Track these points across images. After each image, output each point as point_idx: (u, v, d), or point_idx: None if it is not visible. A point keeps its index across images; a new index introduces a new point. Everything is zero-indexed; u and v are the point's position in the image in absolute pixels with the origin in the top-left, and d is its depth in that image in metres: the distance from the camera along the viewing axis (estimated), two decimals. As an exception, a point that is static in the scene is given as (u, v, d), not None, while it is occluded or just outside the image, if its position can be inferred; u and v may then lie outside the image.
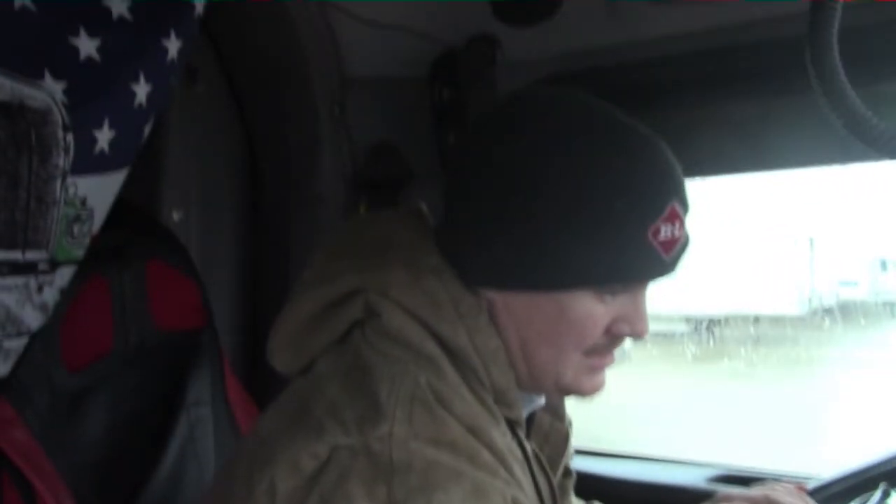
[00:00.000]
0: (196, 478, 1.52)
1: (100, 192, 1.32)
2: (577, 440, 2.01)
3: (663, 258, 0.99)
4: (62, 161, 1.23)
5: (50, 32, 1.19)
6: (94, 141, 1.27)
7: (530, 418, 1.17)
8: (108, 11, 1.26)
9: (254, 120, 1.97)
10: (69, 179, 1.25)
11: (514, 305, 1.03)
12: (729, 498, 1.19)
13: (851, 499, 1.22)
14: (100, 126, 1.27)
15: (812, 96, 1.53)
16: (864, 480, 1.24)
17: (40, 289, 1.27)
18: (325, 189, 1.92)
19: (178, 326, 1.58)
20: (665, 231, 0.98)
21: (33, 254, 1.24)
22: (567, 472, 1.29)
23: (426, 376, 0.97)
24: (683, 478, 1.83)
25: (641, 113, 1.59)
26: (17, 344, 1.27)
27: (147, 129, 1.37)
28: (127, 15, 1.28)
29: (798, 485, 1.23)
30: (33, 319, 1.27)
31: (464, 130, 1.76)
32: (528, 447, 1.07)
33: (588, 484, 1.70)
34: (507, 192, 0.99)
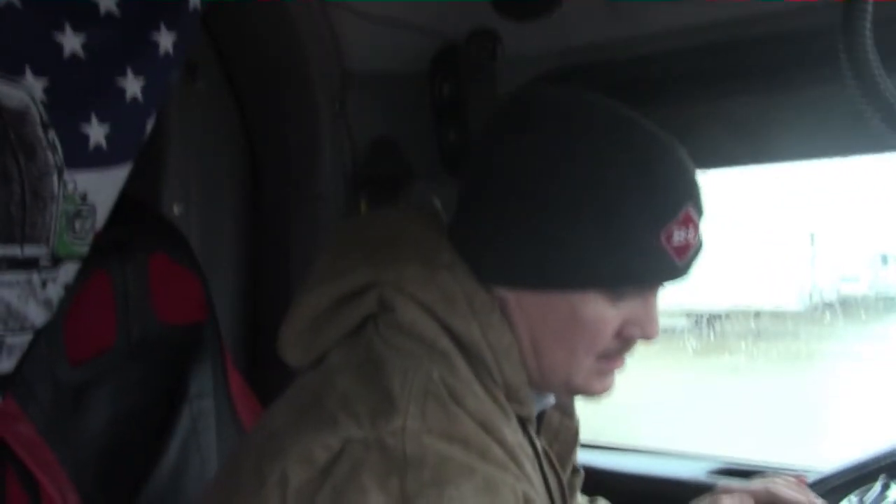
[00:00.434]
0: (198, 471, 1.52)
1: (101, 187, 1.32)
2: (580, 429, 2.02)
3: (676, 262, 0.99)
4: (52, 158, 1.23)
5: (34, 29, 1.19)
6: (85, 136, 1.26)
7: (540, 416, 1.17)
8: (95, 7, 1.26)
9: (254, 116, 1.97)
10: (66, 175, 1.25)
11: (527, 304, 1.03)
12: (729, 490, 1.19)
13: (851, 491, 1.23)
14: (87, 121, 1.26)
15: (811, 90, 1.54)
16: (864, 473, 1.24)
17: (44, 284, 1.27)
18: (326, 185, 1.92)
19: (180, 320, 1.58)
20: (678, 235, 0.98)
21: (32, 249, 1.24)
22: (575, 469, 1.29)
23: (439, 371, 0.97)
24: (684, 471, 1.83)
25: (641, 108, 1.59)
26: (20, 340, 1.27)
27: (149, 124, 1.36)
28: (114, 10, 1.27)
29: (798, 477, 1.23)
30: (37, 315, 1.27)
31: (464, 126, 1.77)
32: (539, 444, 1.08)
33: (589, 477, 1.71)
34: (523, 190, 1.00)
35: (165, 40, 1.34)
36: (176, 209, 1.87)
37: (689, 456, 1.95)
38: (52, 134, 1.22)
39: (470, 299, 1.01)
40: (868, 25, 0.87)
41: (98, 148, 1.28)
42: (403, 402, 0.93)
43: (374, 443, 0.91)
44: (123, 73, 1.30)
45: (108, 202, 1.34)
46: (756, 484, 1.20)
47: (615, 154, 0.98)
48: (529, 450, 1.04)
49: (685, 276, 1.03)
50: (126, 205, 1.34)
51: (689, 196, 0.99)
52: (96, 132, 1.28)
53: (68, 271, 1.31)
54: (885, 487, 1.20)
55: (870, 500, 1.19)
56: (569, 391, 1.08)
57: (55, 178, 1.24)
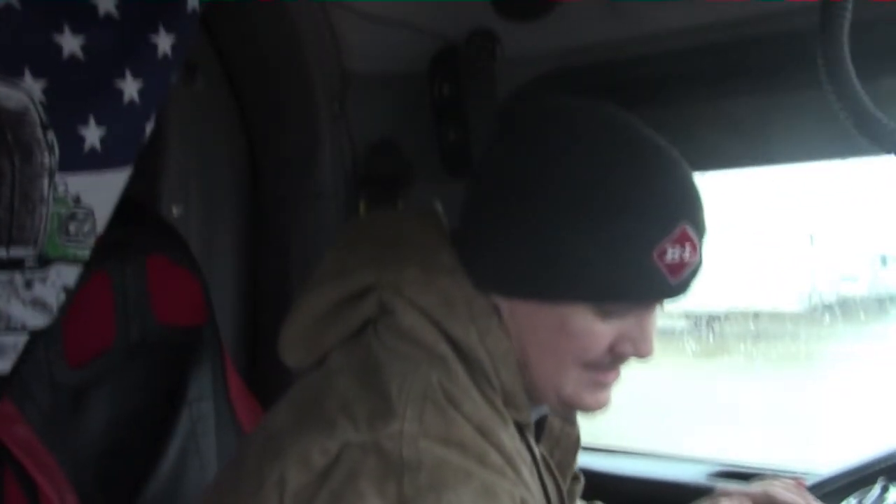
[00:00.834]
0: (198, 473, 1.52)
1: (97, 190, 1.31)
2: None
3: (669, 281, 0.97)
4: (47, 159, 1.23)
5: (33, 31, 1.19)
6: (81, 139, 1.26)
7: (541, 423, 1.17)
8: (94, 8, 1.26)
9: (254, 116, 1.97)
10: (57, 177, 1.25)
11: (518, 313, 1.02)
12: (728, 493, 1.19)
13: (850, 494, 1.22)
14: (85, 123, 1.26)
15: (810, 92, 1.54)
16: (863, 476, 1.24)
17: (28, 284, 1.26)
18: (325, 185, 1.92)
19: (179, 321, 1.58)
20: (672, 253, 0.96)
21: (19, 251, 1.23)
22: (575, 477, 1.29)
23: (437, 376, 0.97)
24: (683, 473, 1.83)
25: (640, 109, 1.59)
26: (11, 340, 1.26)
27: (148, 127, 1.36)
28: (113, 12, 1.27)
29: (797, 480, 1.23)
30: (28, 316, 1.27)
31: (464, 126, 1.77)
32: (537, 450, 1.08)
33: (588, 480, 1.71)
34: (518, 200, 0.99)
35: (164, 42, 1.34)
36: (175, 210, 1.87)
37: (687, 459, 1.95)
38: (50, 135, 1.22)
39: (469, 304, 1.01)
40: (845, 30, 0.88)
41: (93, 150, 1.28)
42: (401, 407, 0.93)
43: (372, 447, 0.91)
44: (122, 75, 1.30)
45: (108, 205, 1.34)
46: (755, 487, 1.20)
47: (611, 168, 0.97)
48: (527, 456, 1.03)
49: (681, 295, 1.01)
50: (125, 206, 1.34)
51: (687, 213, 0.97)
52: (92, 134, 1.27)
53: (61, 273, 1.31)
54: (884, 490, 1.20)
55: (868, 503, 1.19)
56: (560, 403, 1.06)
57: (46, 180, 1.24)
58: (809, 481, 1.25)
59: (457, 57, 1.77)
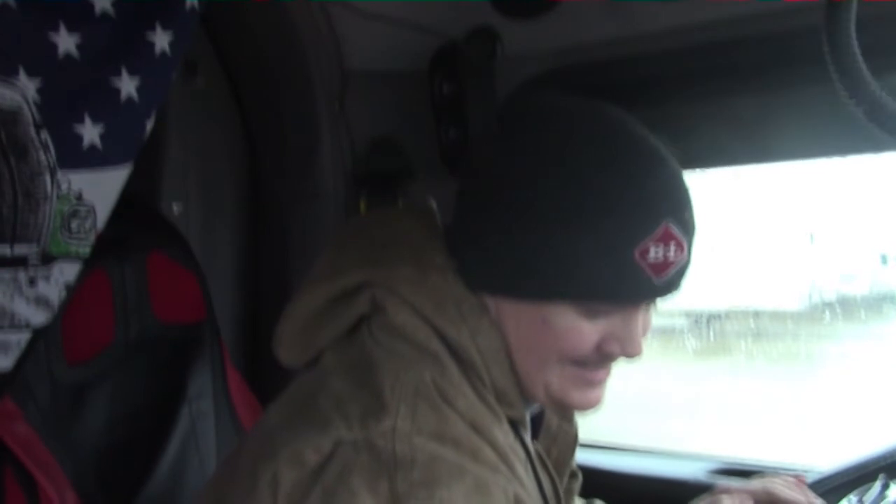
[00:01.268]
0: (198, 470, 1.52)
1: (98, 187, 1.32)
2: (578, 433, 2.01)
3: (653, 281, 0.96)
4: (45, 158, 1.23)
5: (29, 29, 1.20)
6: (78, 137, 1.26)
7: (539, 420, 1.17)
8: (90, 7, 1.26)
9: (253, 114, 1.97)
10: (60, 175, 1.25)
11: (504, 311, 1.02)
12: (728, 490, 1.19)
13: (850, 491, 1.22)
14: (80, 121, 1.26)
15: (811, 89, 1.54)
16: (863, 473, 1.24)
17: (32, 281, 1.27)
18: (325, 183, 1.92)
19: (178, 319, 1.58)
20: (655, 252, 0.94)
21: (22, 248, 1.24)
22: (573, 473, 1.29)
23: (430, 373, 0.97)
24: (683, 470, 1.83)
25: (640, 107, 1.59)
26: (14, 338, 1.26)
27: (148, 124, 1.36)
28: (109, 9, 1.28)
29: (798, 477, 1.23)
30: (32, 313, 1.27)
31: (463, 125, 1.77)
32: (531, 447, 1.08)
33: (588, 477, 1.71)
34: (501, 200, 0.99)
35: (161, 40, 1.34)
36: (175, 208, 1.87)
37: (688, 456, 1.95)
38: (44, 134, 1.22)
39: (459, 303, 1.01)
40: (852, 20, 0.87)
41: (93, 148, 1.28)
42: (394, 404, 0.93)
43: (364, 444, 0.91)
44: (118, 73, 1.30)
45: (108, 202, 1.34)
46: (755, 484, 1.20)
47: (593, 166, 0.96)
48: (522, 452, 1.03)
49: (669, 294, 1.00)
50: (125, 203, 1.34)
51: (671, 211, 0.95)
52: (90, 132, 1.28)
53: (64, 270, 1.31)
54: (885, 487, 1.20)
55: (869, 500, 1.19)
56: (550, 401, 1.05)
57: (48, 177, 1.24)
58: (810, 478, 1.25)
59: (457, 55, 1.77)
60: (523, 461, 1.03)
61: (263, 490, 0.93)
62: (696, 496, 1.20)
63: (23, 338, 1.27)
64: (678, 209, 0.96)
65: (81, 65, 1.25)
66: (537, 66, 1.75)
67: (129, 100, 1.31)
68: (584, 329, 0.99)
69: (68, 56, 1.23)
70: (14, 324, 1.25)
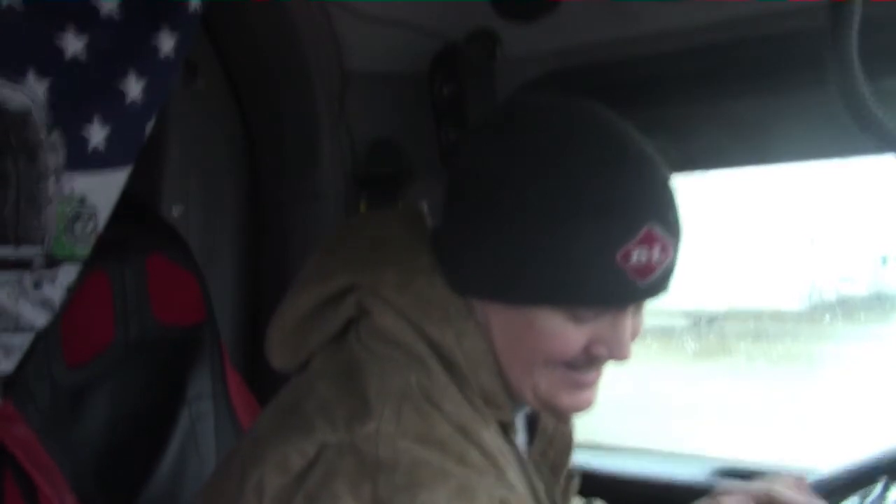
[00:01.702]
0: (197, 472, 1.52)
1: (101, 189, 1.32)
2: (577, 434, 2.02)
3: (636, 284, 0.95)
4: (52, 160, 1.23)
5: (36, 32, 1.20)
6: (85, 139, 1.27)
7: (534, 423, 1.17)
8: (95, 10, 1.26)
9: (253, 116, 1.97)
10: (65, 178, 1.25)
11: (491, 314, 1.01)
12: (730, 492, 1.19)
13: (852, 493, 1.22)
14: (89, 123, 1.27)
15: (811, 91, 1.54)
16: (865, 474, 1.23)
17: (37, 284, 1.27)
18: (325, 185, 1.92)
19: (178, 321, 1.58)
20: (638, 255, 0.93)
21: (27, 250, 1.24)
22: (570, 475, 1.28)
23: (416, 376, 0.96)
24: (684, 472, 1.83)
25: (640, 108, 1.59)
26: (18, 340, 1.27)
27: (149, 127, 1.37)
28: (115, 13, 1.28)
29: (799, 479, 1.23)
30: (35, 316, 1.27)
31: (463, 126, 1.77)
32: (521, 450, 1.07)
33: (589, 478, 1.70)
34: (489, 203, 0.98)
35: (166, 43, 1.34)
36: (175, 210, 1.87)
37: (689, 457, 1.95)
38: (54, 136, 1.23)
39: (445, 306, 1.01)
40: (854, 29, 0.87)
41: (97, 150, 1.29)
42: (379, 407, 0.93)
43: (348, 448, 0.91)
44: (125, 76, 1.30)
45: (109, 204, 1.34)
46: (756, 485, 1.20)
47: (574, 169, 0.95)
48: (512, 455, 1.02)
49: (655, 296, 0.99)
50: (125, 206, 1.34)
51: (653, 214, 0.94)
52: (97, 134, 1.28)
53: (68, 273, 1.31)
54: (886, 489, 1.20)
55: (870, 502, 1.19)
56: (539, 404, 1.04)
57: (52, 180, 1.24)
58: (811, 480, 1.24)
59: (457, 57, 1.77)
60: (514, 464, 1.02)
61: (249, 495, 0.93)
62: (697, 498, 1.20)
63: (26, 340, 1.27)
64: (662, 211, 0.95)
65: (89, 67, 1.25)
66: (537, 68, 1.75)
67: (134, 102, 1.32)
68: (571, 333, 0.98)
69: (76, 58, 1.24)
70: (19, 326, 1.25)
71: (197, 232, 1.89)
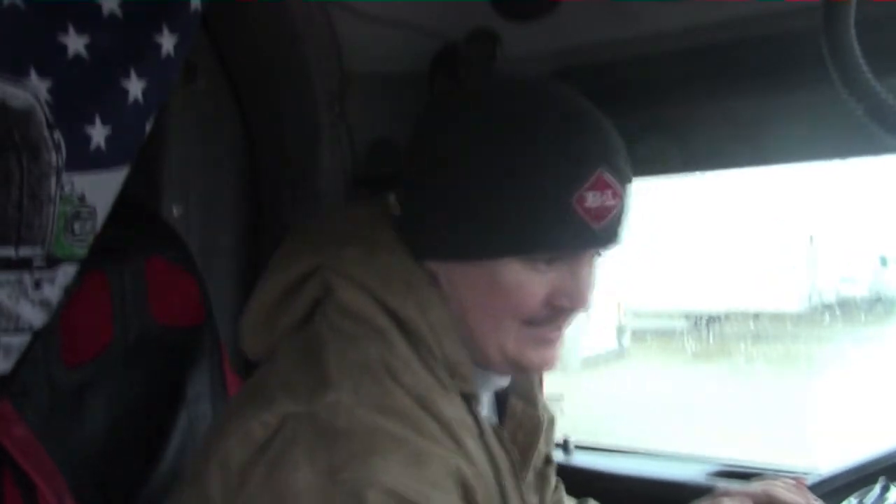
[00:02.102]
0: (196, 473, 1.52)
1: (100, 189, 1.32)
2: (576, 435, 2.02)
3: (592, 228, 0.99)
4: (54, 158, 1.23)
5: (37, 30, 1.20)
6: (87, 138, 1.27)
7: (503, 404, 1.18)
8: (98, 8, 1.26)
9: (253, 116, 1.97)
10: (65, 177, 1.25)
11: (453, 276, 1.05)
12: (729, 493, 1.19)
13: (851, 493, 1.22)
14: (91, 123, 1.27)
15: (812, 91, 1.54)
16: (864, 475, 1.24)
17: (37, 284, 1.27)
18: (325, 185, 1.92)
19: (177, 322, 1.58)
20: (592, 199, 0.97)
21: (27, 250, 1.24)
22: (548, 460, 1.30)
23: (377, 349, 0.99)
24: (683, 473, 1.83)
25: (640, 108, 1.59)
26: (17, 340, 1.27)
27: (148, 126, 1.37)
28: (117, 11, 1.28)
29: (798, 479, 1.23)
30: (34, 316, 1.27)
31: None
32: (485, 421, 1.07)
33: (587, 479, 1.71)
34: (444, 166, 1.02)
35: (167, 42, 1.35)
36: (175, 210, 1.87)
37: (688, 458, 1.95)
38: (57, 134, 1.23)
39: (407, 277, 1.04)
40: (852, 17, 0.87)
41: (98, 149, 1.29)
42: (339, 379, 0.95)
43: (308, 417, 0.93)
44: (127, 75, 1.30)
45: (107, 204, 1.34)
46: (755, 486, 1.20)
47: (524, 123, 0.99)
48: (475, 427, 1.04)
49: (609, 243, 1.03)
50: (124, 207, 1.34)
51: (602, 159, 0.98)
52: (98, 133, 1.28)
53: (67, 273, 1.31)
54: (885, 489, 1.20)
55: (869, 503, 1.19)
56: (507, 363, 1.06)
57: (53, 179, 1.24)
58: (810, 480, 1.24)
59: (457, 57, 1.77)
60: (475, 435, 1.03)
61: (214, 469, 0.95)
62: (696, 498, 1.20)
63: (25, 341, 1.27)
64: (610, 158, 0.99)
65: (91, 66, 1.25)
66: (537, 68, 1.75)
67: (136, 101, 1.32)
68: (532, 283, 1.01)
69: (78, 57, 1.24)
70: (19, 327, 1.25)
71: (197, 232, 1.89)
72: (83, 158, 1.27)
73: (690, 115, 1.69)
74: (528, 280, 1.01)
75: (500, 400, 1.19)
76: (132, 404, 1.50)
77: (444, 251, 1.04)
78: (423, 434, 0.94)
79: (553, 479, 1.31)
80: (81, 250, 1.32)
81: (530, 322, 1.03)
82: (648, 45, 1.64)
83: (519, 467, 1.13)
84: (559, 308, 1.03)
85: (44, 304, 1.29)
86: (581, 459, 1.93)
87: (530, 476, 1.21)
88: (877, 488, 1.20)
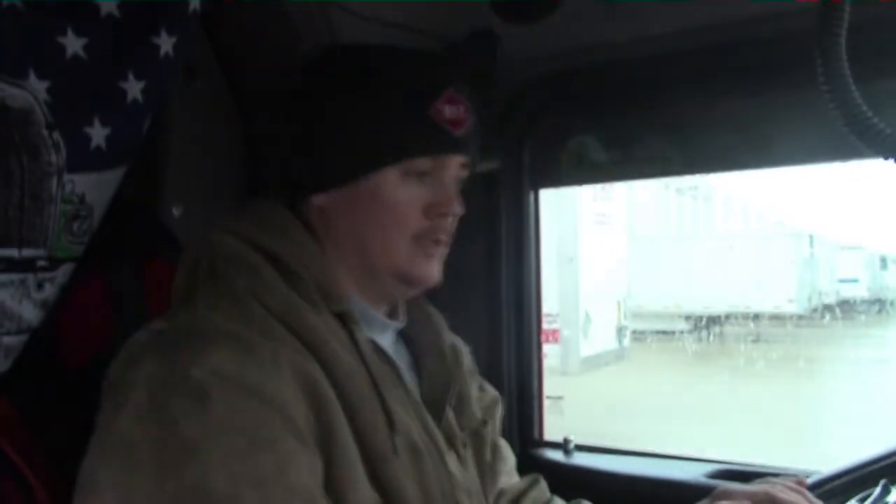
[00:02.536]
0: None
1: (99, 189, 1.32)
2: (577, 436, 2.02)
3: (454, 135, 1.15)
4: (54, 159, 1.23)
5: (36, 32, 1.20)
6: (87, 138, 1.27)
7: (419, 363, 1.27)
8: (96, 9, 1.27)
9: (253, 116, 1.97)
10: (65, 177, 1.26)
11: (342, 206, 1.16)
12: (729, 493, 1.19)
13: (852, 494, 1.22)
14: (90, 123, 1.27)
15: (811, 93, 1.54)
16: (864, 476, 1.23)
17: (40, 285, 1.27)
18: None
19: (177, 323, 1.58)
20: (449, 111, 1.15)
21: (30, 251, 1.24)
22: (498, 454, 1.39)
23: (244, 280, 1.08)
24: (683, 473, 1.83)
25: (641, 109, 1.59)
26: (17, 341, 1.27)
27: (145, 126, 1.37)
28: (115, 13, 1.28)
29: (798, 480, 1.23)
30: (34, 316, 1.27)
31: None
32: (361, 336, 1.14)
33: (588, 479, 1.70)
34: (319, 108, 1.17)
35: (166, 43, 1.35)
36: (175, 211, 1.87)
37: (688, 458, 1.95)
38: (56, 135, 1.23)
39: (282, 222, 1.16)
40: (843, 33, 0.88)
41: (98, 149, 1.29)
42: (201, 300, 1.08)
43: (167, 328, 1.05)
44: (125, 76, 1.30)
45: (104, 203, 1.34)
46: (755, 487, 1.20)
47: (380, 59, 1.18)
48: (348, 341, 1.11)
49: (469, 150, 1.19)
50: (124, 208, 1.34)
51: (450, 82, 1.17)
52: (98, 134, 1.28)
53: (66, 273, 1.32)
54: (886, 491, 1.20)
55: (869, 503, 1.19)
56: (399, 278, 1.18)
57: (54, 179, 1.24)
58: (810, 481, 1.24)
59: (456, 59, 1.77)
60: (350, 349, 1.10)
61: (103, 390, 1.03)
62: (696, 499, 1.20)
63: (22, 340, 1.27)
64: (456, 81, 1.17)
65: (89, 67, 1.26)
66: (537, 69, 1.76)
67: (134, 102, 1.32)
68: (411, 196, 1.15)
69: (76, 58, 1.24)
70: (20, 327, 1.26)
71: (197, 232, 1.89)
72: (83, 159, 1.28)
73: (690, 115, 1.69)
74: (407, 193, 1.15)
75: (416, 357, 1.29)
76: (132, 405, 1.49)
77: (333, 179, 1.16)
78: (266, 335, 1.02)
79: (503, 471, 1.40)
80: (79, 250, 1.32)
81: (416, 238, 1.16)
82: (648, 46, 1.64)
83: (437, 425, 1.21)
84: (435, 216, 1.17)
85: (45, 304, 1.29)
86: (581, 459, 1.93)
87: (460, 435, 1.26)
88: (877, 490, 1.20)
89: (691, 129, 1.68)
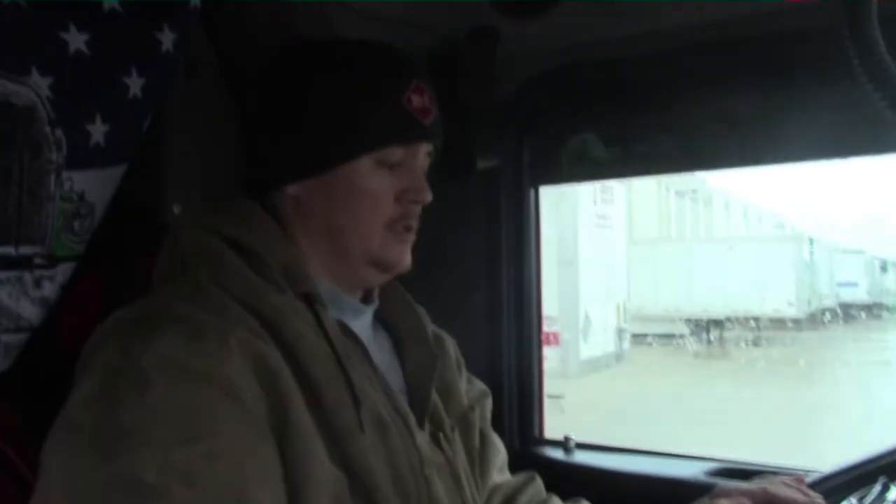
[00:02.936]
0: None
1: (98, 186, 1.32)
2: (578, 436, 2.01)
3: (423, 123, 1.19)
4: (55, 156, 1.24)
5: (39, 28, 1.20)
6: (88, 135, 1.27)
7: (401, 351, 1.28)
8: (98, 5, 1.27)
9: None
10: (64, 174, 1.25)
11: (316, 194, 1.18)
12: (728, 491, 1.19)
13: (851, 492, 1.22)
14: (92, 120, 1.27)
15: (812, 91, 1.54)
16: (864, 474, 1.23)
17: (38, 283, 1.27)
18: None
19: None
20: (417, 100, 1.18)
21: (27, 248, 1.24)
22: (488, 443, 1.38)
23: (208, 269, 1.10)
24: (683, 471, 1.83)
25: (641, 107, 1.58)
26: (16, 339, 1.27)
27: (145, 123, 1.37)
28: (118, 8, 1.28)
29: (797, 478, 1.23)
30: (33, 314, 1.27)
31: (462, 125, 1.77)
32: (327, 316, 1.14)
33: (588, 477, 1.70)
34: (292, 100, 1.18)
35: (167, 39, 1.35)
36: (176, 209, 1.87)
37: (687, 456, 1.94)
38: (58, 132, 1.23)
39: (250, 214, 1.18)
40: (874, 17, 0.87)
41: (97, 146, 1.29)
42: (167, 288, 1.10)
43: (128, 314, 1.05)
44: (128, 72, 1.30)
45: (105, 202, 1.34)
46: (755, 485, 1.20)
47: (353, 52, 1.20)
48: (313, 321, 1.12)
49: (436, 138, 1.23)
50: (123, 206, 1.34)
51: (416, 74, 1.20)
52: (98, 130, 1.28)
53: (67, 272, 1.31)
54: (885, 489, 1.20)
55: (869, 502, 1.19)
56: (372, 264, 1.20)
57: (53, 177, 1.24)
58: (809, 479, 1.24)
59: (456, 55, 1.77)
60: (313, 328, 1.11)
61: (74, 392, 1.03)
62: (696, 497, 1.20)
63: (22, 338, 1.27)
64: (419, 74, 1.21)
65: (92, 63, 1.26)
66: (537, 66, 1.76)
67: (135, 98, 1.32)
68: (383, 183, 1.18)
69: (79, 54, 1.24)
70: (19, 325, 1.26)
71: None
72: (83, 156, 1.28)
73: (690, 114, 1.69)
74: (380, 181, 1.17)
75: (398, 348, 1.30)
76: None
77: (309, 169, 1.18)
78: (221, 316, 1.03)
79: (495, 465, 1.39)
80: (80, 248, 1.32)
81: (388, 225, 1.19)
82: (648, 43, 1.64)
83: (406, 376, 1.26)
84: (407, 203, 1.19)
85: (44, 302, 1.29)
86: (581, 457, 1.93)
87: (448, 420, 1.28)
88: (877, 487, 1.20)
89: (691, 126, 1.68)
